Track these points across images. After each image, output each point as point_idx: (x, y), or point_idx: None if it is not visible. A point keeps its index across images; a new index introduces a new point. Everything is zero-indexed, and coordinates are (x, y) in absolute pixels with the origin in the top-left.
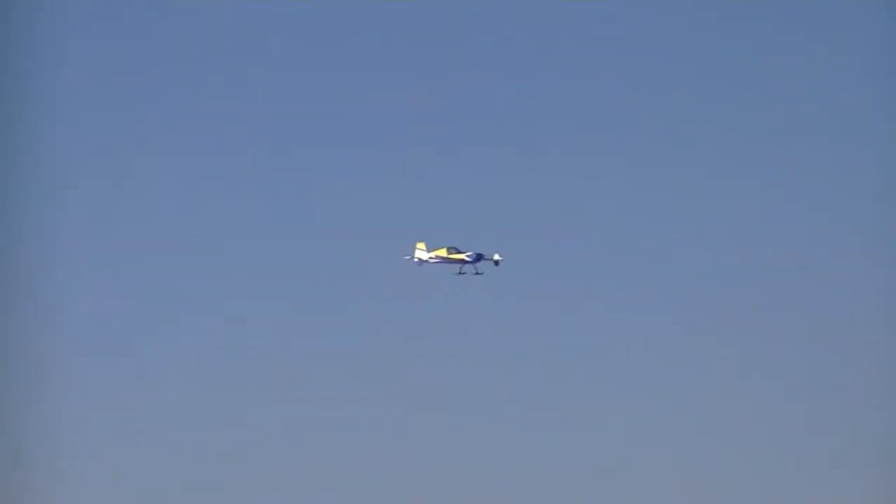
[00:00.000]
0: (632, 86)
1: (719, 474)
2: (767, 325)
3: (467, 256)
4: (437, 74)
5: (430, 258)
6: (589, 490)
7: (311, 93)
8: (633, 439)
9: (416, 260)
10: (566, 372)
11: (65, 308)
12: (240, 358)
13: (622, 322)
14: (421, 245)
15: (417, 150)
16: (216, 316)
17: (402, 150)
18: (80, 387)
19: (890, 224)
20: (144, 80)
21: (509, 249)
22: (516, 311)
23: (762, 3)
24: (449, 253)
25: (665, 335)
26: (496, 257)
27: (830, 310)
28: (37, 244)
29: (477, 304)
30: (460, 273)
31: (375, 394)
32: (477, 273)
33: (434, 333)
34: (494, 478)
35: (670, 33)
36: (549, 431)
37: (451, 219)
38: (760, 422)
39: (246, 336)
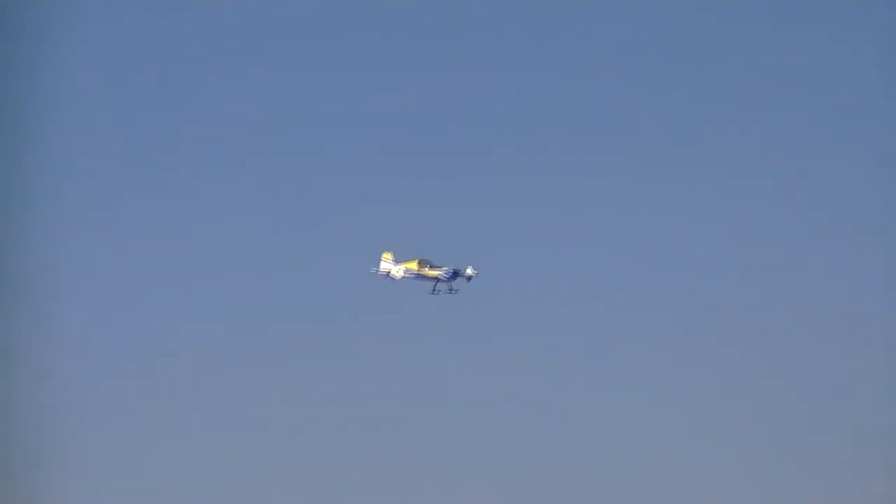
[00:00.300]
0: (632, 86)
1: (719, 474)
2: (767, 325)
3: (443, 274)
4: (437, 74)
5: (403, 273)
6: (589, 490)
7: (311, 93)
8: (633, 439)
9: (382, 273)
10: (566, 372)
11: (64, 309)
12: (239, 359)
13: (622, 322)
14: (387, 255)
15: (417, 150)
16: (213, 317)
17: (402, 150)
18: (80, 387)
19: (890, 224)
20: (145, 80)
21: (509, 249)
22: (516, 311)
23: (762, 3)
24: (421, 266)
25: (665, 335)
26: (469, 272)
27: (830, 310)
28: (38, 245)
29: (476, 305)
30: (434, 292)
31: (376, 394)
32: (451, 291)
33: (434, 333)
34: (494, 478)
35: (670, 33)
36: (549, 431)
37: (450, 219)
38: (760, 422)
39: (246, 336)
